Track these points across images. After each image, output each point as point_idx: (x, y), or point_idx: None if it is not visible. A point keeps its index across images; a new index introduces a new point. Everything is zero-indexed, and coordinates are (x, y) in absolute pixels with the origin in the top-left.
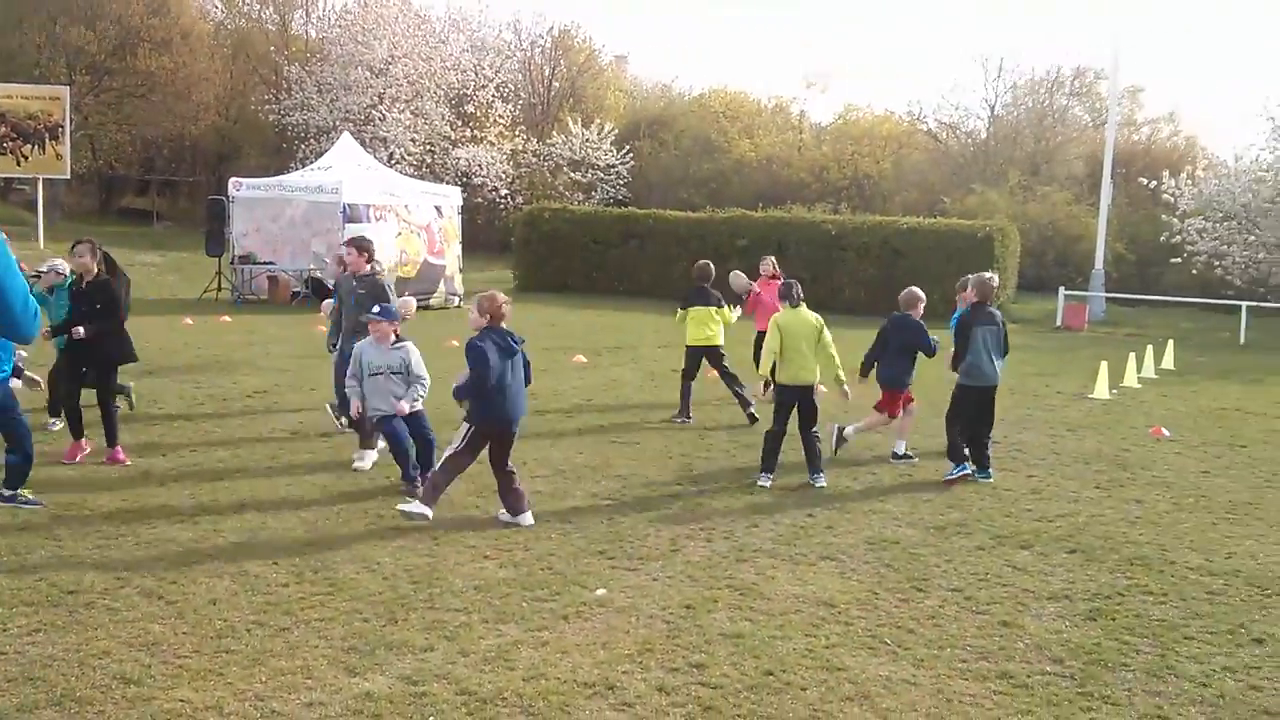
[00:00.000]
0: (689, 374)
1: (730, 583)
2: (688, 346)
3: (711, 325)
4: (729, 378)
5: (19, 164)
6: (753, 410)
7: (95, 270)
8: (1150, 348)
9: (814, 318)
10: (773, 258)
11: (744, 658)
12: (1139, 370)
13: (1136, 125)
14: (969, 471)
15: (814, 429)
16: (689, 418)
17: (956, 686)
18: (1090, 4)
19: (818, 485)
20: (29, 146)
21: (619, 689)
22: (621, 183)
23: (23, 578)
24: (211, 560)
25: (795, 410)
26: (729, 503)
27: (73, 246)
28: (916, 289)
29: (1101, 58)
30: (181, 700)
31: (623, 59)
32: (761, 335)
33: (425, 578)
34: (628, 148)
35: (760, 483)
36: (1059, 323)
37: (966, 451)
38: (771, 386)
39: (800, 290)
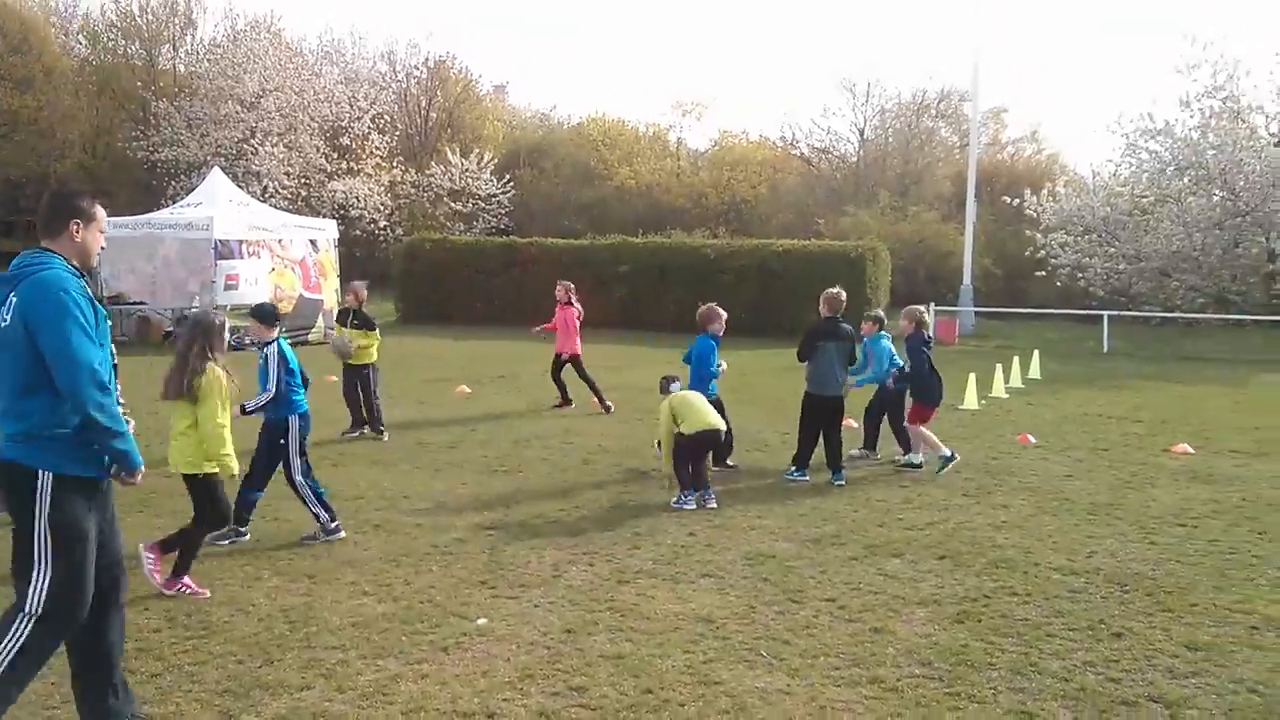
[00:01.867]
0: None
1: (611, 604)
2: None
3: None
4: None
5: None
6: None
7: None
8: (1017, 359)
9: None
10: (569, 283)
11: (624, 677)
12: (1006, 380)
13: (1001, 145)
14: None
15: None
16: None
17: (830, 694)
18: (952, 28)
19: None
20: None
21: (499, 716)
22: (503, 211)
23: None
24: None
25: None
26: (612, 526)
27: None
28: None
29: (965, 80)
30: None
31: (501, 89)
32: (560, 363)
33: (302, 617)
34: (508, 176)
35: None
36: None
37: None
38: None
39: (676, 382)
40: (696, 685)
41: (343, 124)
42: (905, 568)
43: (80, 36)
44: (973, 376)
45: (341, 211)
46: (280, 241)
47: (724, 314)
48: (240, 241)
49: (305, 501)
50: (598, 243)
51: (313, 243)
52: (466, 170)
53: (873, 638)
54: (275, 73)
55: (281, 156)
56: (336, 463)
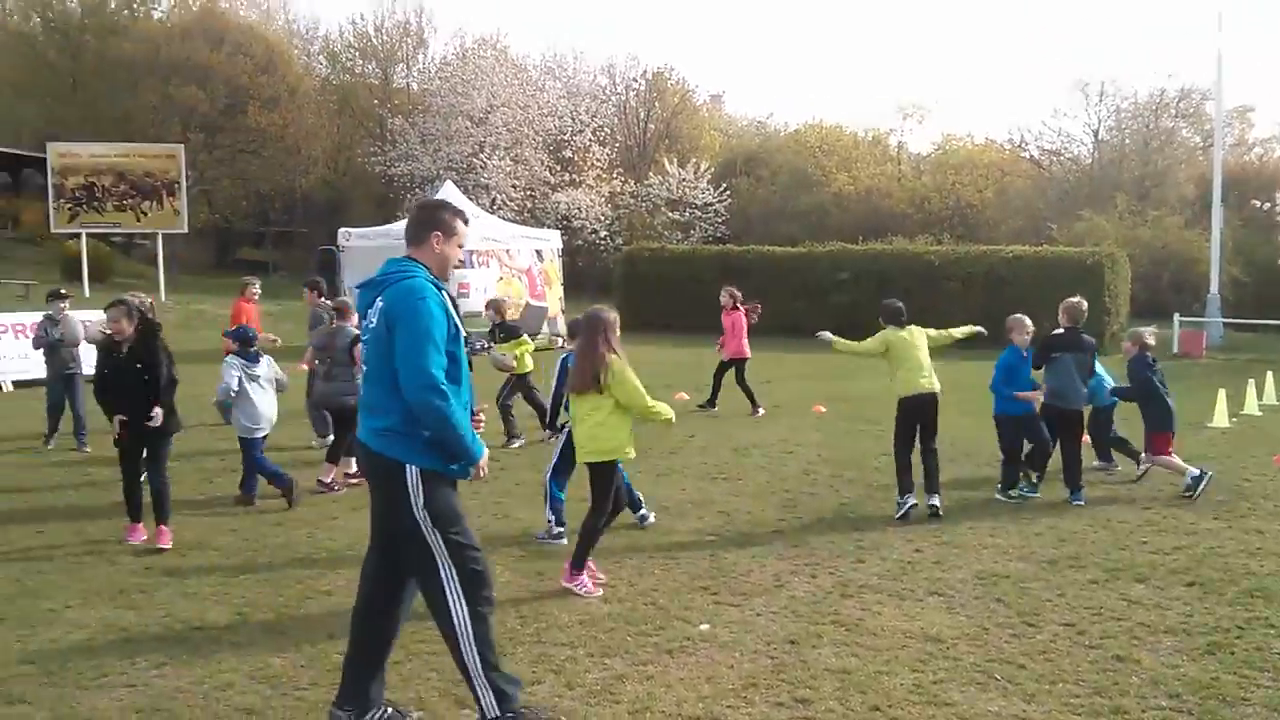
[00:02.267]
0: None
1: (835, 618)
2: None
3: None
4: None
5: (138, 219)
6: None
7: (130, 334)
8: (1271, 373)
9: (917, 329)
10: (733, 288)
11: (850, 693)
12: (1260, 397)
13: (1248, 145)
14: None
15: (934, 444)
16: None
17: None
18: (1191, 24)
19: (932, 504)
20: (147, 203)
21: None
22: (719, 220)
23: (149, 613)
24: (328, 597)
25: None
26: (834, 538)
27: (107, 308)
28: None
29: (1207, 78)
30: None
31: (718, 98)
32: (724, 365)
33: (532, 613)
34: (725, 185)
35: (905, 506)
36: (1175, 349)
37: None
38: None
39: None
40: (926, 705)
41: (565, 137)
42: (1150, 594)
43: (321, 57)
44: (1222, 392)
45: (565, 222)
46: (508, 251)
47: (1030, 323)
48: (471, 252)
49: (546, 500)
50: (816, 250)
51: (538, 253)
52: (684, 180)
53: (1115, 666)
54: (502, 89)
55: (508, 169)
56: None
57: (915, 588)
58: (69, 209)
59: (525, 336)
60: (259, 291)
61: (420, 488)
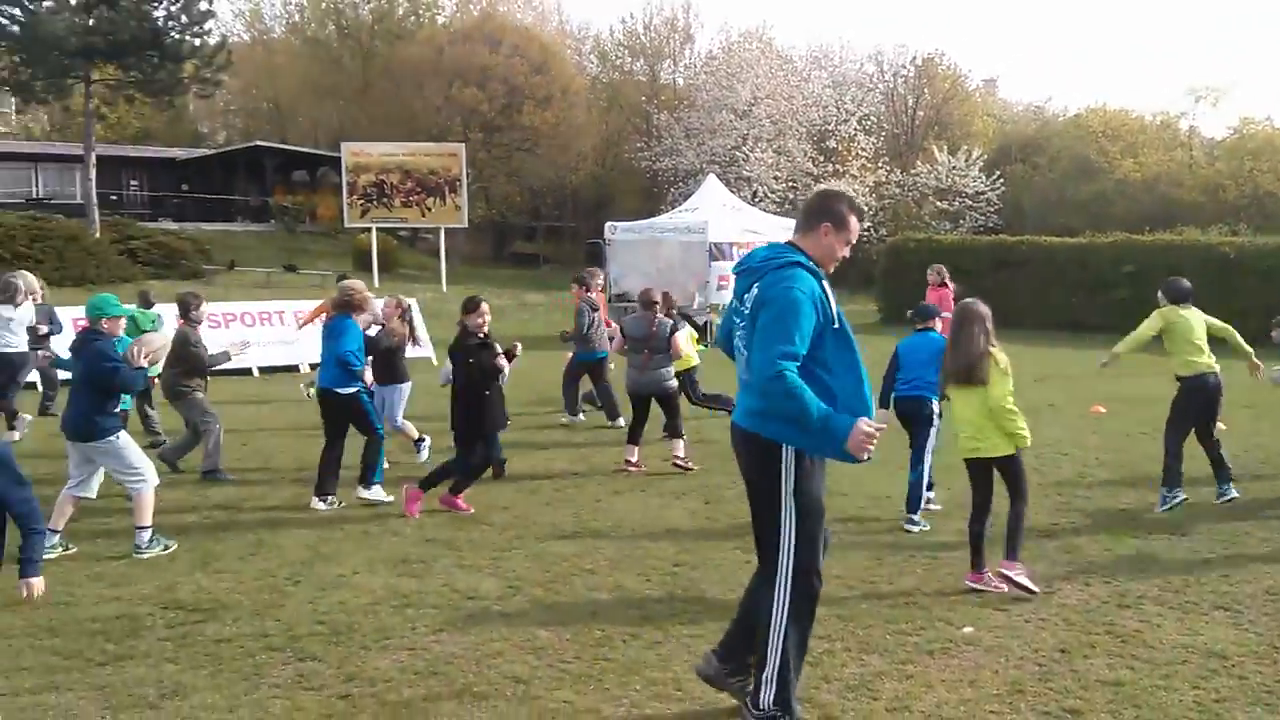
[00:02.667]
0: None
1: (1109, 629)
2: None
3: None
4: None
5: (423, 215)
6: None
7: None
8: None
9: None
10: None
11: (1123, 706)
12: None
13: None
14: None
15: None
16: None
17: None
18: None
19: (1228, 497)
20: (431, 199)
21: None
22: (991, 209)
23: (429, 582)
24: (591, 575)
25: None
26: (1110, 546)
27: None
28: None
29: None
30: (565, 701)
31: (991, 83)
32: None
33: None
34: (998, 173)
35: (1172, 501)
36: None
37: None
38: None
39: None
40: None
41: (829, 127)
42: None
43: (592, 56)
44: None
45: None
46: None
47: None
48: (732, 244)
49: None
50: (1097, 240)
51: None
52: (954, 168)
53: None
54: (766, 81)
55: (771, 161)
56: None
57: (1200, 601)
58: (361, 205)
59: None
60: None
61: (793, 468)
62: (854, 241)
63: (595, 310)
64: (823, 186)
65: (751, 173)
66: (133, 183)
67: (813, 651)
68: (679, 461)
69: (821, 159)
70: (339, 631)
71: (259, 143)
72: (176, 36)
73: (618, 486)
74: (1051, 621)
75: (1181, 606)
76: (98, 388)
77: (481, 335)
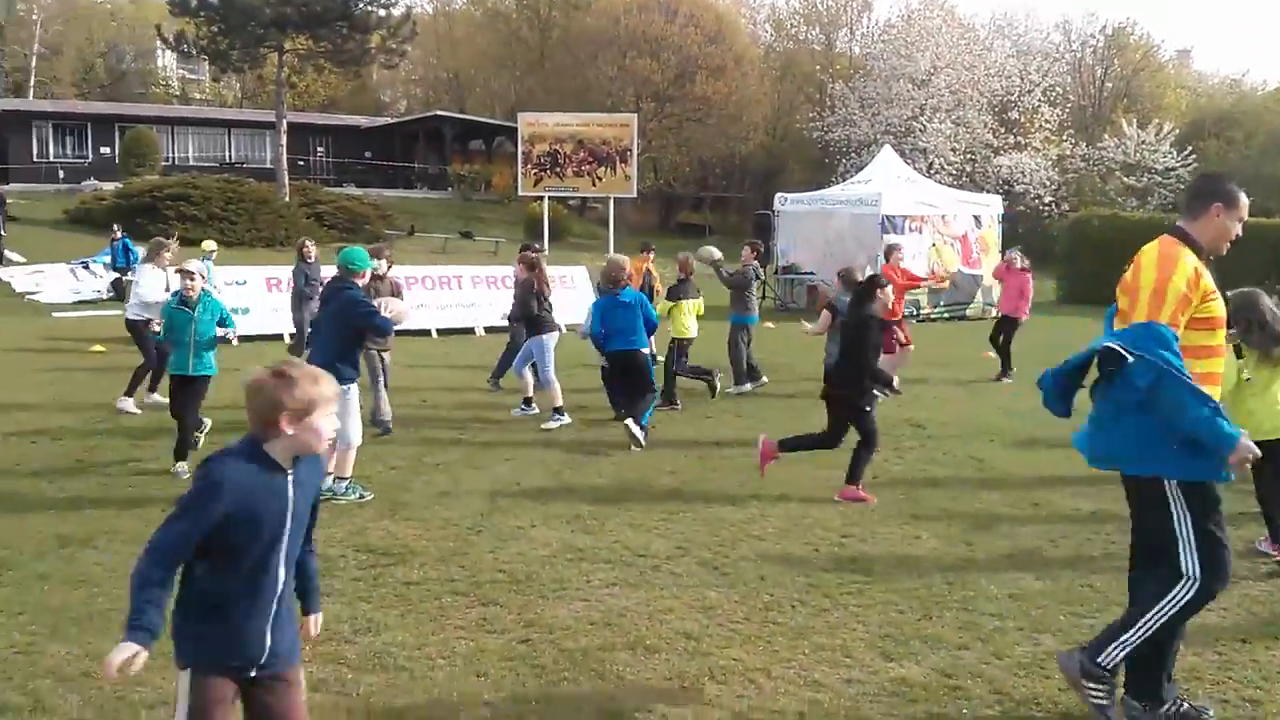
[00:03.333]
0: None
1: None
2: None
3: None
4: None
5: (594, 185)
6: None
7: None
8: None
9: None
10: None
11: None
12: None
13: None
14: None
15: None
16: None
17: None
18: None
19: None
20: (602, 169)
21: None
22: (1182, 187)
23: (601, 539)
24: (759, 541)
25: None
26: None
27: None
28: None
29: None
30: (734, 659)
31: (1185, 54)
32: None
33: (959, 580)
34: (1189, 149)
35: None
36: None
37: None
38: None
39: None
40: None
41: (1011, 98)
42: None
43: (766, 25)
44: None
45: (1005, 187)
46: (943, 217)
47: None
48: (905, 217)
49: None
50: None
51: (976, 218)
52: (1143, 143)
53: None
54: (947, 50)
55: (949, 132)
56: (994, 438)
57: None
58: (534, 174)
59: (685, 301)
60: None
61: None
62: (1245, 218)
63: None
64: (1203, 172)
65: (928, 144)
66: (319, 149)
67: (982, 627)
68: None
69: (1002, 130)
70: (518, 580)
71: (439, 112)
72: (365, 8)
73: (787, 457)
74: (1234, 611)
75: None
76: (346, 335)
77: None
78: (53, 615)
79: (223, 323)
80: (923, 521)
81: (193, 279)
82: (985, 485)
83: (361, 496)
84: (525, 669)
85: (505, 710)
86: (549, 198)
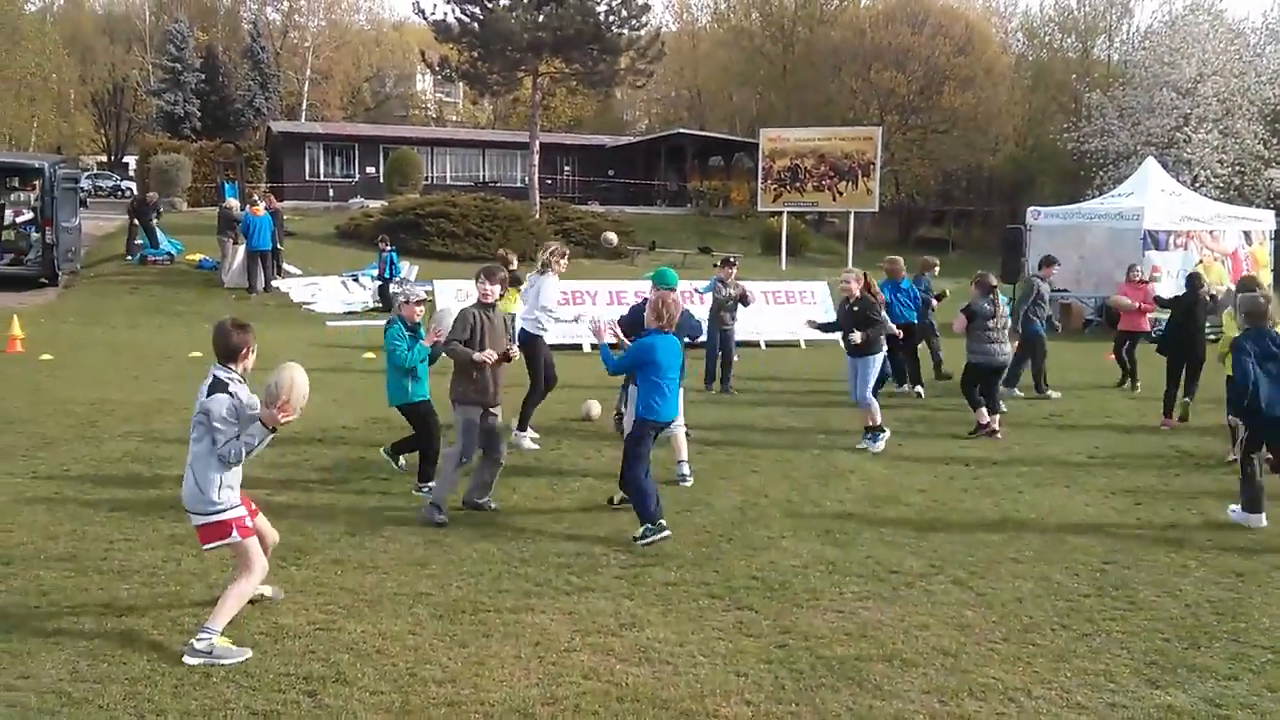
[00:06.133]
0: None
1: None
2: None
3: None
4: None
5: (834, 199)
6: None
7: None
8: None
9: None
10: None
11: None
12: None
13: None
14: None
15: None
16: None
17: None
18: None
19: None
20: (843, 183)
21: None
22: None
23: (852, 553)
24: (1015, 563)
25: None
26: None
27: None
28: None
29: None
30: (993, 678)
31: None
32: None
33: (1229, 611)
34: None
35: None
36: None
37: None
38: None
39: None
40: None
41: None
42: None
43: (1019, 34)
44: None
45: (1277, 201)
46: (1211, 233)
47: None
48: (1169, 233)
49: None
50: None
51: (1246, 234)
52: None
53: None
54: (1214, 56)
55: (1216, 143)
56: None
57: None
58: (774, 189)
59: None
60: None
61: None
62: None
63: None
64: None
65: (1193, 155)
66: (566, 167)
67: (1253, 660)
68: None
69: (1275, 141)
70: (772, 588)
71: (680, 130)
72: (616, 30)
73: (1039, 479)
74: None
75: None
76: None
77: None
78: (349, 596)
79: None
80: (1189, 551)
81: (420, 305)
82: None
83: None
84: (783, 672)
85: (765, 710)
86: (787, 212)
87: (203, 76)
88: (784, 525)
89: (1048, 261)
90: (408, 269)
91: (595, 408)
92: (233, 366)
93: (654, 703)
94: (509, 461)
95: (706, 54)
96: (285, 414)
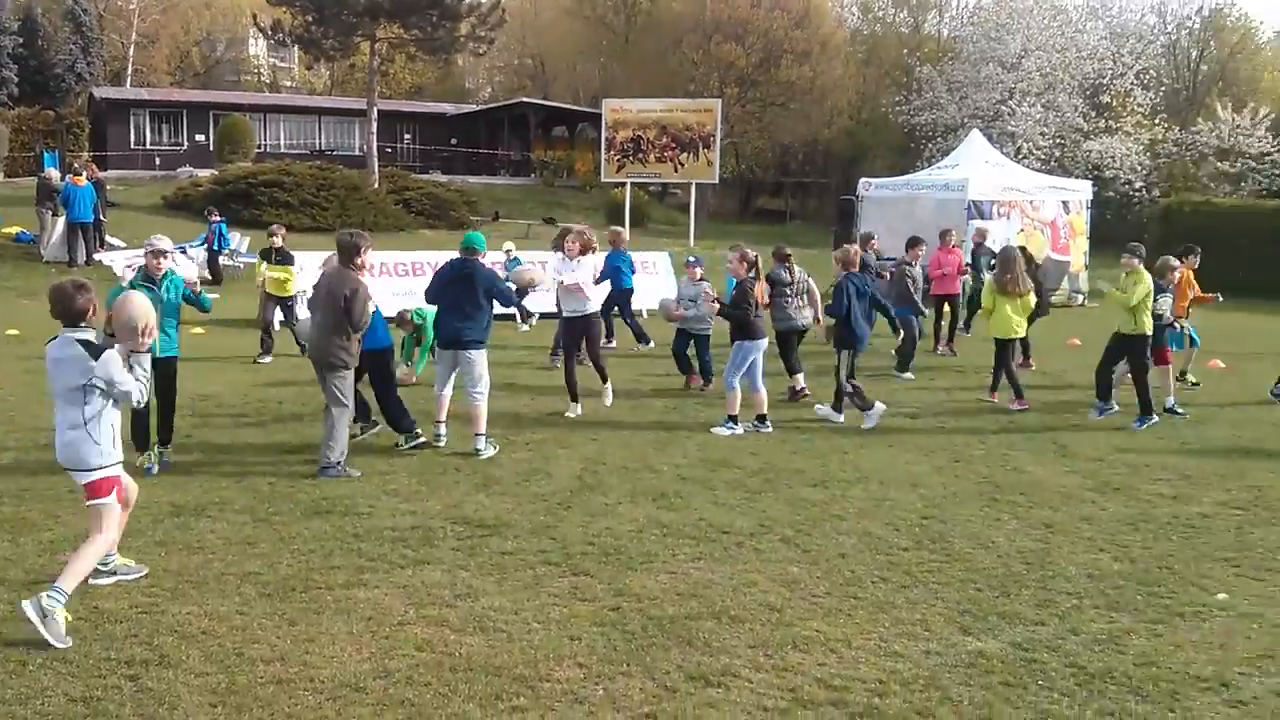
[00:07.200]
0: None
1: None
2: None
3: None
4: None
5: (676, 170)
6: None
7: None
8: None
9: None
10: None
11: None
12: None
13: None
14: None
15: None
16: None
17: None
18: None
19: None
20: (685, 155)
21: (1234, 687)
22: (1277, 172)
23: (685, 515)
24: (839, 520)
25: None
26: None
27: None
28: None
29: None
30: (816, 630)
31: None
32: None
33: (1038, 560)
34: None
35: None
36: None
37: None
38: None
39: None
40: None
41: (1104, 81)
42: None
43: (854, 8)
44: None
45: (1095, 172)
46: (1032, 203)
47: None
48: (993, 202)
49: None
50: None
51: (1064, 204)
52: (1238, 127)
53: None
54: (1038, 32)
55: (1038, 117)
56: (1078, 424)
57: None
58: (617, 160)
59: (293, 266)
60: None
61: None
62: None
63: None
64: None
65: (1017, 128)
66: (406, 136)
67: (1059, 605)
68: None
69: (1093, 114)
70: (608, 552)
71: (523, 99)
72: None
73: (864, 440)
74: None
75: None
76: (481, 304)
77: None
78: (174, 579)
79: (190, 300)
80: (1002, 505)
81: (163, 257)
82: (1066, 469)
83: (495, 447)
84: (615, 634)
85: (597, 671)
86: (630, 184)
87: (20, 40)
88: (621, 491)
89: (912, 242)
90: (238, 240)
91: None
92: (84, 325)
93: (487, 670)
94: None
95: (550, 23)
96: (149, 337)
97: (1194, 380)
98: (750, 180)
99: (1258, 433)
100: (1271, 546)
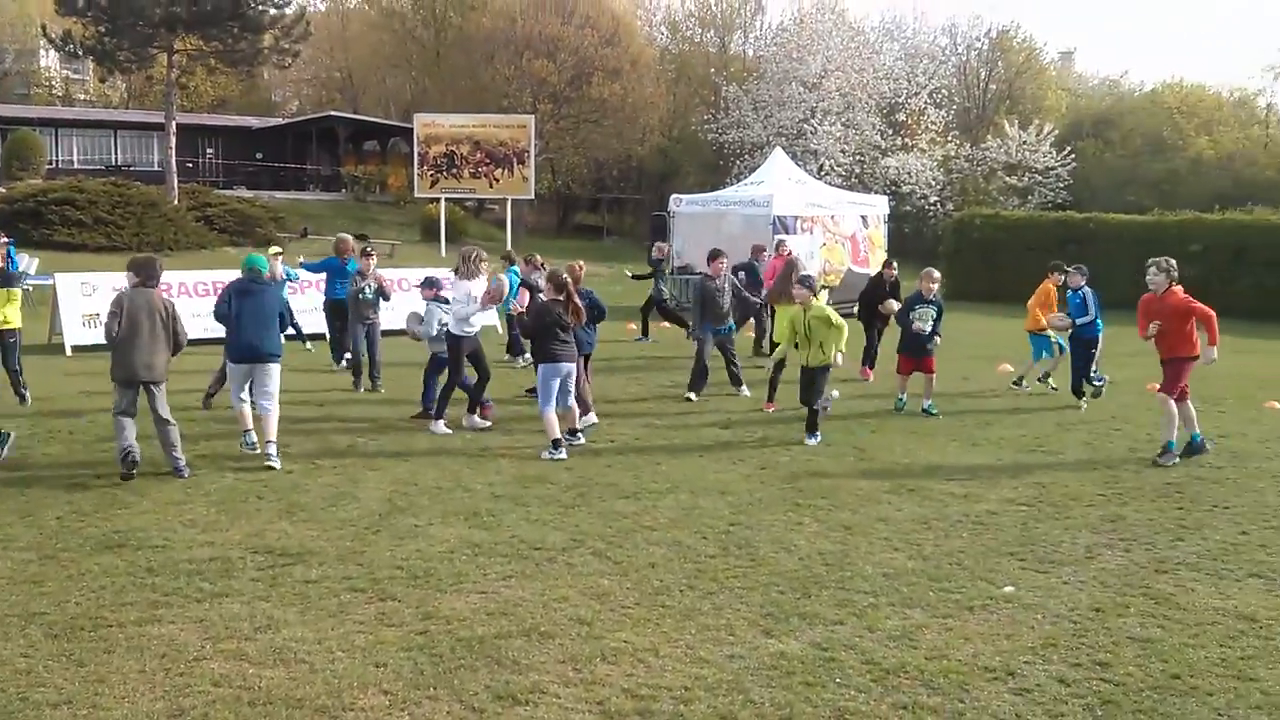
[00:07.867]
0: None
1: (1145, 591)
2: None
3: None
4: None
5: (491, 186)
6: None
7: None
8: None
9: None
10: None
11: (1151, 660)
12: None
13: None
14: None
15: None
16: None
17: None
18: None
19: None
20: (499, 170)
21: (1019, 676)
22: (1061, 186)
23: (498, 534)
24: (650, 530)
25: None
26: (1154, 516)
27: None
28: None
29: None
30: (625, 641)
31: (1068, 55)
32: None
33: (838, 561)
34: (1069, 149)
35: None
36: None
37: None
38: None
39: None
40: (1230, 679)
41: (899, 100)
42: None
43: (663, 27)
44: None
45: (893, 187)
46: (833, 217)
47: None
48: (796, 218)
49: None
50: (1165, 219)
51: (864, 218)
52: (1024, 143)
53: None
54: (838, 53)
55: (839, 134)
56: (876, 429)
57: (1235, 568)
58: (431, 175)
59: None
60: None
61: None
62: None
63: None
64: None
65: (819, 146)
66: (208, 150)
67: (856, 604)
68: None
69: (890, 132)
70: (416, 576)
71: (332, 112)
72: (258, 7)
73: (675, 451)
74: (1090, 584)
75: (1217, 573)
76: (275, 317)
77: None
78: None
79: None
80: (805, 509)
81: None
82: (866, 473)
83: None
84: (423, 658)
85: (403, 696)
86: (445, 199)
87: None
88: (433, 512)
89: (714, 255)
90: (27, 262)
91: None
92: None
93: (288, 703)
94: (138, 470)
95: (358, 35)
96: None
97: (1054, 385)
98: (567, 196)
99: (1040, 431)
100: (1054, 540)
